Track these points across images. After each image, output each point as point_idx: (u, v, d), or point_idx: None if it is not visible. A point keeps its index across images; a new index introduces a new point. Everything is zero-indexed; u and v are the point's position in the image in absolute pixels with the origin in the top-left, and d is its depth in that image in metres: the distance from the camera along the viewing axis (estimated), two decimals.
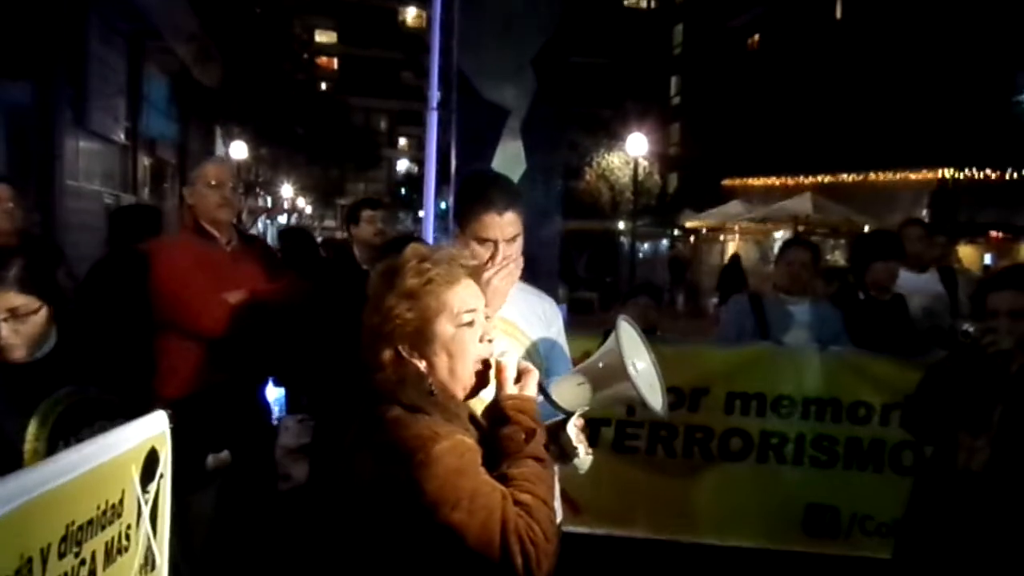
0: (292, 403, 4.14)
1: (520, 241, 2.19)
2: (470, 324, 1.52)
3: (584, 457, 1.68)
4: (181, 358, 2.94)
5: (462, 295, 1.52)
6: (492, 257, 2.14)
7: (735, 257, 20.75)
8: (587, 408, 1.70)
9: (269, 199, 27.31)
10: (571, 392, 1.68)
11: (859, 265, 4.03)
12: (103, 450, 1.33)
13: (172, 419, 1.61)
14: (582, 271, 20.30)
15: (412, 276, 1.50)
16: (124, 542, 1.41)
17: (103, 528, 1.32)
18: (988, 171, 18.96)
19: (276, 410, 4.21)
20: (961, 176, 19.08)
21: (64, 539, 1.20)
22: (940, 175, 19.16)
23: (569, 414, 1.68)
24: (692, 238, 27.44)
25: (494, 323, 2.12)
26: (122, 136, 12.93)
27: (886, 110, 20.06)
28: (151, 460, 1.53)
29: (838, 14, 24.82)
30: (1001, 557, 2.43)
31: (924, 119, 18.87)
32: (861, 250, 4.13)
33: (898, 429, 3.42)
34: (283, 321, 3.13)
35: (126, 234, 3.76)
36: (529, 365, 1.58)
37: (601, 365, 1.69)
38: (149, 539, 1.52)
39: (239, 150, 19.09)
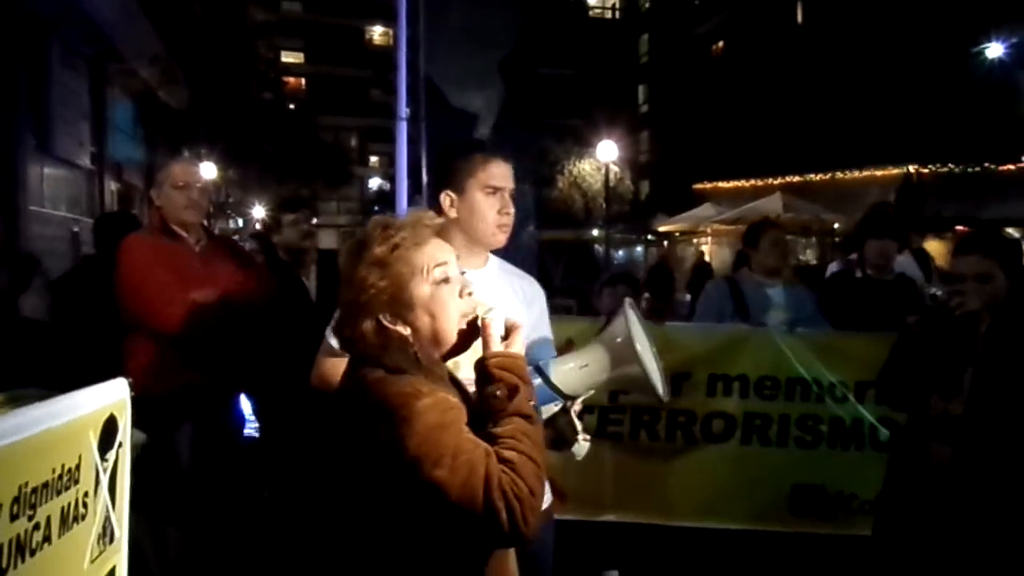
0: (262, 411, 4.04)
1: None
2: (446, 280, 1.50)
3: (582, 443, 1.65)
4: (149, 358, 2.88)
5: (431, 252, 1.51)
6: (503, 208, 2.12)
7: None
8: (591, 392, 1.66)
9: (240, 220, 27.08)
10: (572, 376, 1.64)
11: (858, 244, 4.05)
12: (59, 412, 1.29)
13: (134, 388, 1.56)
14: (558, 280, 20.38)
15: (379, 244, 1.49)
16: (81, 509, 1.37)
17: (59, 493, 1.28)
18: (951, 165, 19.32)
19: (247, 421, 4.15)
20: (926, 171, 19.42)
21: (16, 500, 1.15)
22: (905, 171, 19.49)
23: (568, 398, 1.64)
24: (666, 242, 27.64)
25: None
26: (88, 161, 12.77)
27: (850, 110, 20.39)
28: (110, 428, 1.49)
29: (799, 18, 25.25)
30: (976, 522, 2.44)
31: (888, 117, 19.21)
32: (861, 229, 4.14)
33: (876, 406, 3.46)
34: (254, 323, 3.09)
35: (111, 239, 3.70)
36: (517, 322, 1.55)
37: (608, 348, 1.65)
38: (108, 509, 1.47)
39: (208, 172, 18.93)
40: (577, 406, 1.67)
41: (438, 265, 1.50)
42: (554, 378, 1.62)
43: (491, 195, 2.11)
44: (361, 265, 1.49)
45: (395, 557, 1.44)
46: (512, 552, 1.58)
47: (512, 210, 2.12)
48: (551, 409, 1.70)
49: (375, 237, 1.50)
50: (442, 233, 1.56)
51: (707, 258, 23.58)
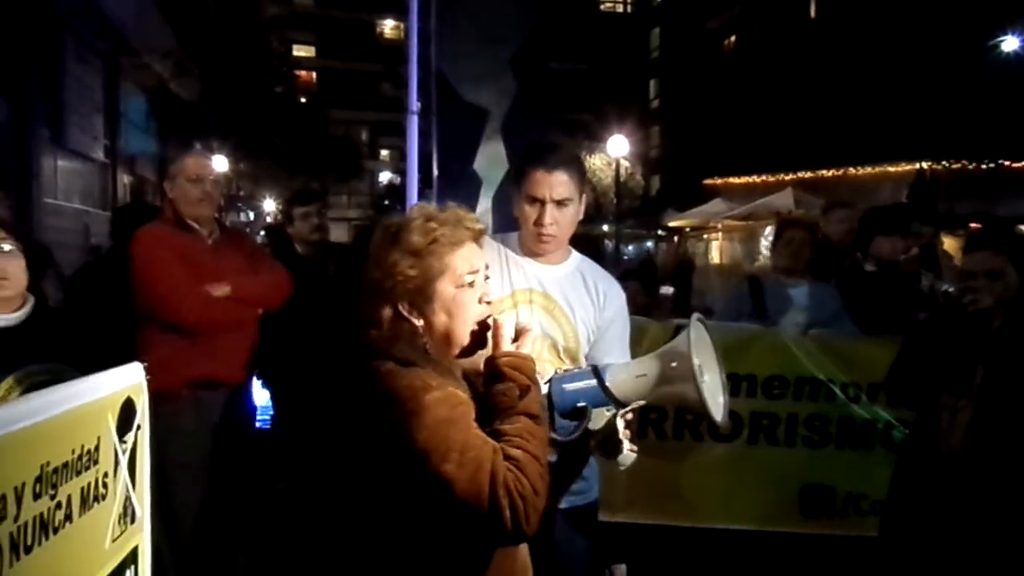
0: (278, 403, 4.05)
1: (573, 211, 2.17)
2: (471, 285, 1.52)
3: (627, 453, 1.63)
4: (161, 350, 2.90)
5: (465, 256, 1.52)
6: (539, 219, 2.12)
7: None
8: (642, 403, 1.64)
9: (251, 214, 27.18)
10: (628, 383, 1.62)
11: (864, 239, 3.98)
12: (78, 394, 1.32)
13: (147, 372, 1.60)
14: None
15: (418, 234, 1.50)
16: (101, 490, 1.40)
17: (79, 473, 1.30)
18: (965, 162, 19.17)
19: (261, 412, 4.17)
20: (940, 168, 19.27)
21: (39, 479, 1.18)
22: (918, 167, 19.35)
23: (620, 405, 1.62)
24: (676, 238, 27.56)
25: (531, 296, 2.12)
26: (101, 154, 12.86)
27: (863, 105, 20.26)
28: (127, 410, 1.52)
29: (812, 13, 25.08)
30: (984, 520, 2.44)
31: (901, 113, 19.07)
32: (867, 224, 4.06)
33: (887, 408, 3.44)
34: (267, 315, 3.11)
35: (127, 230, 3.76)
36: (528, 325, 1.57)
37: (667, 362, 1.61)
38: (128, 490, 1.50)
39: (219, 165, 18.99)
40: (629, 415, 1.63)
41: (470, 272, 1.52)
42: (608, 382, 1.60)
43: (531, 205, 2.13)
44: (395, 250, 1.50)
45: (400, 549, 1.45)
46: (524, 548, 1.59)
47: (551, 221, 2.12)
48: (603, 413, 1.67)
49: (416, 227, 1.51)
50: None
51: (715, 254, 23.55)
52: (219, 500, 3.07)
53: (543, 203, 2.12)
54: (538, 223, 2.13)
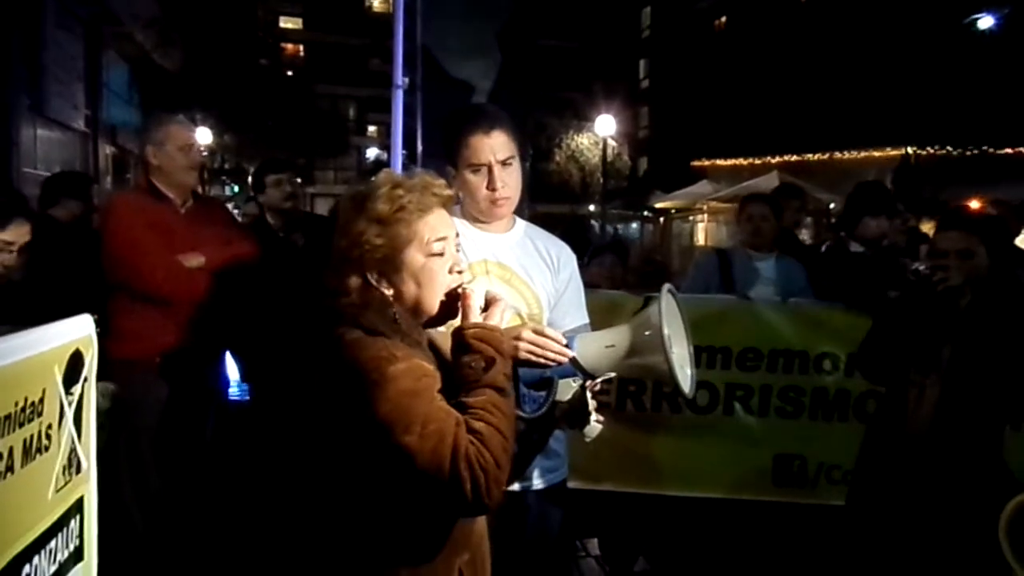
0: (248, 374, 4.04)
1: (517, 168, 2.11)
2: (440, 254, 1.49)
3: (594, 425, 1.63)
4: (133, 319, 2.89)
5: (433, 224, 1.49)
6: (490, 183, 2.05)
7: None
8: (612, 375, 1.62)
9: (236, 187, 26.96)
10: (596, 354, 1.60)
11: (851, 219, 3.99)
12: (23, 347, 1.31)
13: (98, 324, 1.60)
14: None
15: (384, 202, 1.46)
16: (44, 441, 1.40)
17: (22, 425, 1.30)
18: (949, 148, 19.28)
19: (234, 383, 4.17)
20: (924, 153, 19.38)
21: None
22: (903, 152, 19.46)
23: (588, 376, 1.61)
24: (662, 219, 27.63)
25: (487, 267, 2.08)
26: (82, 123, 12.69)
27: (850, 90, 20.30)
28: (75, 362, 1.51)
29: None
30: (949, 495, 2.48)
31: (887, 98, 19.13)
32: (853, 204, 4.05)
33: (862, 379, 3.49)
34: (239, 285, 3.10)
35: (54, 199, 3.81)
36: (497, 295, 1.54)
37: (637, 332, 1.58)
38: (74, 442, 1.50)
39: (203, 137, 18.80)
40: (598, 386, 1.63)
41: (438, 239, 1.49)
42: (577, 352, 1.58)
43: (476, 172, 2.06)
44: (361, 218, 1.47)
45: (362, 516, 1.46)
46: (482, 519, 1.59)
47: (502, 184, 2.04)
48: (569, 385, 1.67)
49: (382, 194, 1.47)
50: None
51: (701, 236, 23.70)
52: (190, 469, 3.08)
53: (489, 167, 2.05)
54: (490, 187, 2.05)
